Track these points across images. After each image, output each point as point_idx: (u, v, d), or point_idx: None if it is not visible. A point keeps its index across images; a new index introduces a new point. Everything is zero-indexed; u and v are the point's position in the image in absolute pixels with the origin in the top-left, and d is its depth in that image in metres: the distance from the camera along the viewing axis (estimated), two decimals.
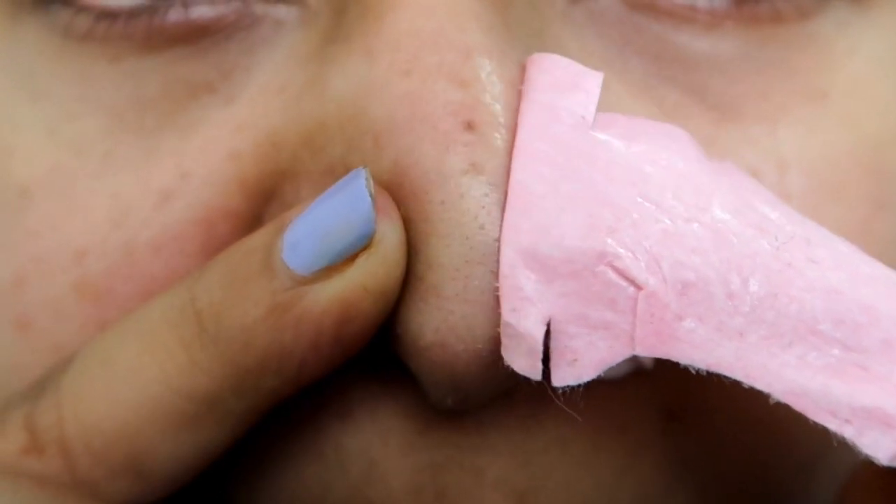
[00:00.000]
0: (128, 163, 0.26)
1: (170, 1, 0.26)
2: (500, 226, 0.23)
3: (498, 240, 0.23)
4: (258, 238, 0.24)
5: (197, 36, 0.26)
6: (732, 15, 0.27)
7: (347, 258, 0.23)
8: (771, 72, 0.28)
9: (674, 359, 0.23)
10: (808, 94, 0.28)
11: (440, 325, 0.23)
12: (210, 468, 0.25)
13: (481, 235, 0.23)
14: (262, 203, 0.26)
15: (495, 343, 0.23)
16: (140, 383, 0.24)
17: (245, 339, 0.23)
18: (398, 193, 0.24)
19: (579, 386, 0.24)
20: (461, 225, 0.23)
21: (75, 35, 0.27)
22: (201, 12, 0.26)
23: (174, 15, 0.26)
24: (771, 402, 0.24)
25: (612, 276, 0.23)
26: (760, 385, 0.23)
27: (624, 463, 0.27)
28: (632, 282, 0.23)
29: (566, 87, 0.24)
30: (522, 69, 0.25)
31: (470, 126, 0.23)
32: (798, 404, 0.23)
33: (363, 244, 0.23)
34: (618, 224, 0.23)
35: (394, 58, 0.24)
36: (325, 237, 0.23)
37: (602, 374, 0.24)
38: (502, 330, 0.23)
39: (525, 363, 0.23)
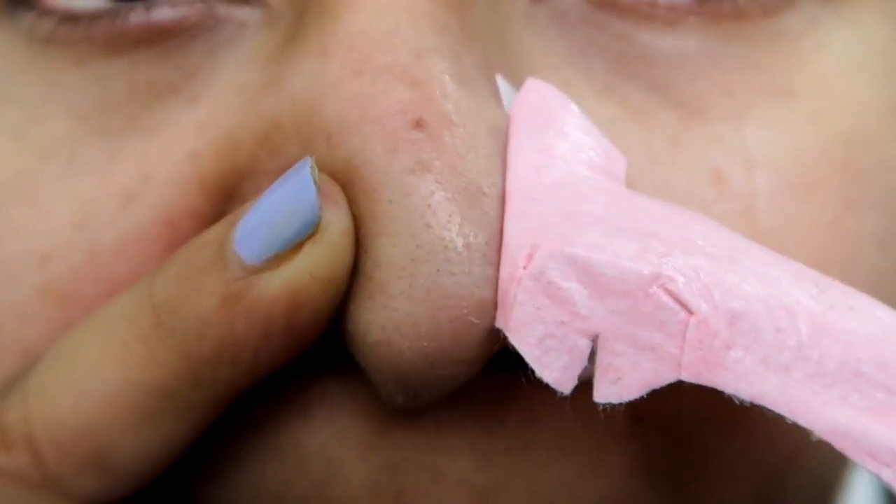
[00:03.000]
0: (91, 165, 0.27)
1: (131, 3, 0.26)
2: (503, 236, 0.23)
3: (446, 238, 0.23)
4: (213, 231, 0.24)
5: (160, 38, 0.27)
6: (694, 11, 0.27)
7: (294, 246, 0.23)
8: (736, 69, 0.27)
9: (718, 387, 0.23)
10: (774, 92, 0.28)
11: (386, 322, 0.23)
12: (174, 466, 0.25)
13: (427, 234, 0.23)
14: (224, 202, 0.26)
15: (441, 341, 0.23)
16: (101, 378, 0.24)
17: (200, 331, 0.23)
18: (350, 192, 0.24)
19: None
20: (407, 224, 0.23)
21: (38, 38, 0.27)
22: (163, 14, 0.26)
23: (136, 17, 0.26)
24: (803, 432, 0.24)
25: (665, 298, 0.23)
26: (803, 421, 0.23)
27: (589, 465, 0.26)
28: (684, 306, 0.23)
29: (601, 158, 0.25)
30: (481, 71, 0.25)
31: (419, 125, 0.24)
32: (838, 443, 0.23)
33: (309, 231, 0.23)
34: (670, 251, 0.23)
35: (347, 58, 0.24)
36: (274, 226, 0.23)
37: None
38: (541, 341, 0.23)
39: (559, 376, 0.24)
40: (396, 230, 0.23)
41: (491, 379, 0.25)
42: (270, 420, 0.26)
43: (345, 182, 0.24)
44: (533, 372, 0.25)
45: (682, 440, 0.27)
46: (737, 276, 0.23)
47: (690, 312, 0.23)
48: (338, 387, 0.26)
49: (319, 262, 0.23)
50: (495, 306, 0.23)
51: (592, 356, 0.24)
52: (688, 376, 0.23)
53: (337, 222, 0.23)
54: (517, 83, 0.26)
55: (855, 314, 0.24)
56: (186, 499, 0.27)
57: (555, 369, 0.23)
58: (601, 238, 0.23)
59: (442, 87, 0.24)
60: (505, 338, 0.24)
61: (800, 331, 0.23)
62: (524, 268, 0.23)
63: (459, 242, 0.23)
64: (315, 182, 0.23)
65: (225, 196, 0.26)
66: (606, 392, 0.24)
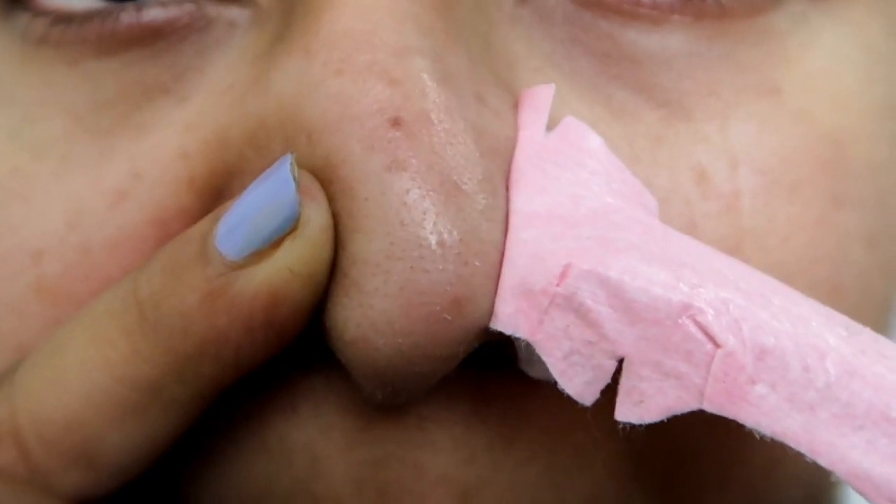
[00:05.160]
0: (84, 164, 0.27)
1: (122, 4, 0.27)
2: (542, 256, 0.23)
3: (420, 236, 0.23)
4: (195, 228, 0.24)
5: (151, 38, 0.27)
6: (678, 9, 0.27)
7: (274, 242, 0.23)
8: (721, 68, 0.28)
9: (740, 420, 0.23)
10: (759, 90, 0.28)
11: (361, 320, 0.23)
12: (161, 462, 0.26)
13: (401, 231, 0.23)
14: (213, 201, 0.26)
15: (415, 338, 0.23)
16: (86, 374, 0.25)
17: (183, 326, 0.24)
18: (329, 190, 0.24)
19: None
20: (383, 221, 0.23)
21: (32, 39, 0.28)
22: (154, 15, 0.27)
23: (127, 18, 0.27)
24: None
25: (693, 329, 0.23)
26: (824, 462, 0.23)
27: (574, 462, 0.26)
28: (711, 339, 0.23)
29: (635, 194, 0.25)
30: (464, 71, 0.25)
31: (397, 123, 0.24)
32: (859, 486, 0.23)
33: (289, 227, 0.23)
34: (702, 282, 0.24)
35: (328, 57, 0.25)
36: (254, 222, 0.23)
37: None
38: (566, 356, 0.24)
39: (581, 390, 0.24)
40: (372, 227, 0.23)
41: (474, 375, 0.26)
42: (256, 416, 0.26)
43: (324, 180, 0.24)
44: (517, 369, 0.25)
45: (669, 438, 0.27)
46: (767, 313, 0.23)
47: (717, 345, 0.23)
48: (322, 383, 0.26)
49: (299, 257, 0.23)
50: (470, 302, 0.24)
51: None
52: (710, 407, 0.23)
53: (316, 218, 0.23)
54: (503, 84, 0.26)
55: (886, 360, 0.24)
56: (173, 494, 0.27)
57: (577, 383, 0.24)
58: (635, 263, 0.24)
59: (421, 86, 0.24)
60: (483, 334, 0.24)
61: (828, 371, 0.23)
62: (557, 285, 0.24)
63: (433, 240, 0.23)
64: (294, 178, 0.23)
65: (214, 195, 0.26)
66: (628, 412, 0.24)
